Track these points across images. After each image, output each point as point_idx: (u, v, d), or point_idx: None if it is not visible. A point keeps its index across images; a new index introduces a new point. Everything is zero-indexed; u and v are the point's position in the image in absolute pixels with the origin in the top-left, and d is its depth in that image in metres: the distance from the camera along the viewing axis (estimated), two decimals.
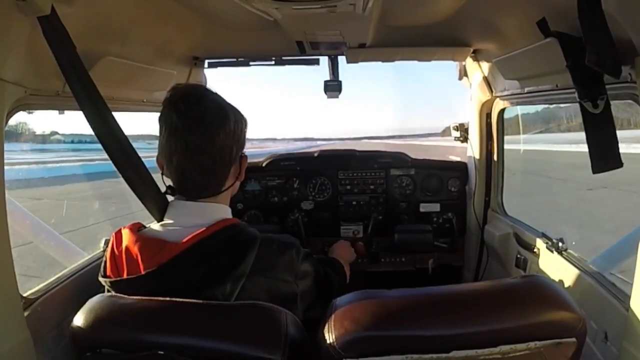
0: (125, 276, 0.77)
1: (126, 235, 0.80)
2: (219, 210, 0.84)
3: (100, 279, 0.79)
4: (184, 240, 0.75)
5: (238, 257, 0.76)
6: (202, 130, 0.79)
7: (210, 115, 0.79)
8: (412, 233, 1.76)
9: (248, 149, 0.92)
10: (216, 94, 0.86)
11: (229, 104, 0.85)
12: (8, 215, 0.75)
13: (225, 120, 0.81)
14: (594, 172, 0.89)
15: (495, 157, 1.71)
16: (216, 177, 0.83)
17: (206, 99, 0.82)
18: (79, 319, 0.69)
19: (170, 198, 0.87)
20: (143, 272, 0.74)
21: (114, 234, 0.82)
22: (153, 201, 0.87)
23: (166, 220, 0.83)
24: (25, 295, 0.83)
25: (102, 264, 0.82)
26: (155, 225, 0.83)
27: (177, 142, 0.79)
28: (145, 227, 0.83)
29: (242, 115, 0.87)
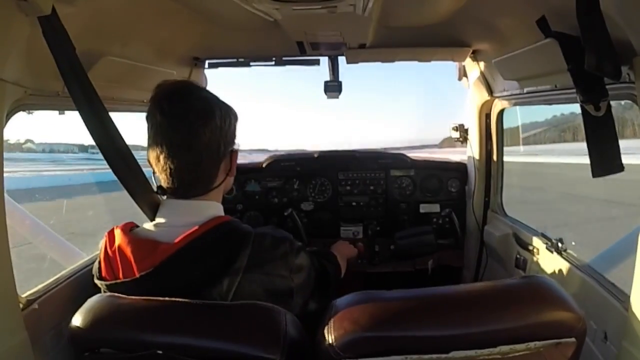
0: (120, 278, 0.76)
1: (118, 236, 0.79)
2: (211, 208, 0.83)
3: (96, 281, 0.79)
4: (177, 240, 0.75)
5: (232, 255, 0.76)
6: (186, 127, 0.78)
7: (195, 113, 0.79)
8: (413, 237, 1.72)
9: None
10: (204, 89, 0.86)
11: (216, 100, 0.84)
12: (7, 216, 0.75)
13: (211, 117, 0.80)
14: (594, 176, 0.89)
15: (494, 158, 1.71)
16: (205, 174, 0.82)
17: (191, 95, 0.81)
18: (78, 319, 0.69)
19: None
20: (137, 274, 0.74)
21: (106, 234, 0.82)
22: (146, 201, 0.86)
23: (158, 220, 0.82)
24: (23, 295, 0.83)
25: (97, 266, 0.81)
26: (147, 225, 0.83)
27: (163, 140, 0.78)
28: (137, 226, 0.83)
29: (230, 110, 0.85)
